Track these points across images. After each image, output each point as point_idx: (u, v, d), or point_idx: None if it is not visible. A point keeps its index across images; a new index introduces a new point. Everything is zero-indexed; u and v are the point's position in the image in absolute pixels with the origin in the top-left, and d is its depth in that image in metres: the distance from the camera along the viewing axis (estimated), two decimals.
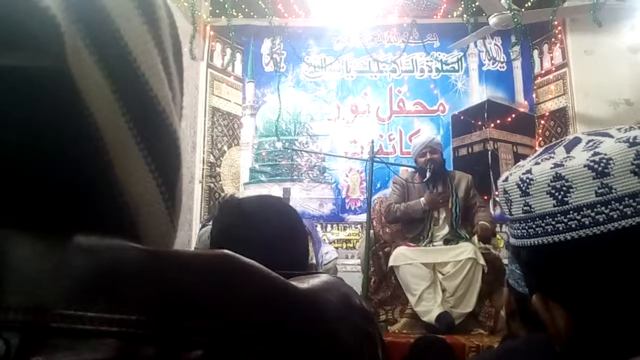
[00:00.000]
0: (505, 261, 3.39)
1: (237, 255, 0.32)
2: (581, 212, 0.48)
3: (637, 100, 4.59)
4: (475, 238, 3.54)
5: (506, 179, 0.56)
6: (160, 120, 0.35)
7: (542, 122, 5.08)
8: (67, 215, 0.31)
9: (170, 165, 0.36)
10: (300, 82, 5.32)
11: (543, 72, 5.18)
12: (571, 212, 0.48)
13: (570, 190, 0.49)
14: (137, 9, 0.34)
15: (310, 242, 3.81)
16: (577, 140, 0.52)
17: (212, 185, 5.02)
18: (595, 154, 0.48)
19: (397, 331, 3.32)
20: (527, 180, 0.52)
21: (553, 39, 5.07)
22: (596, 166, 0.47)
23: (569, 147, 0.52)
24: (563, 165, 0.49)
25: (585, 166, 0.48)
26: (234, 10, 5.07)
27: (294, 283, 0.34)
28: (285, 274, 0.36)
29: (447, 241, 3.52)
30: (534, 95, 5.17)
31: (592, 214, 0.47)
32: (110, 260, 0.29)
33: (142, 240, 0.33)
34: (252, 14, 5.18)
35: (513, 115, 5.11)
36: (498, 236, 3.98)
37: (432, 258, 3.39)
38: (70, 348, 0.26)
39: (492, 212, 4.43)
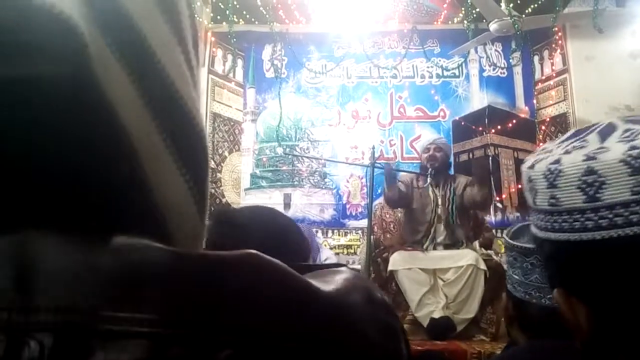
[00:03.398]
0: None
1: (262, 254, 0.32)
2: (614, 211, 0.44)
3: (638, 106, 4.59)
4: (477, 244, 3.53)
5: (532, 166, 0.52)
6: (188, 122, 0.35)
7: (543, 127, 5.08)
8: (97, 218, 0.31)
9: (199, 165, 0.36)
10: (301, 88, 5.33)
11: (543, 77, 5.18)
12: (602, 209, 0.45)
13: (603, 186, 0.45)
14: (158, 6, 0.34)
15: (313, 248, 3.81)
16: (612, 128, 0.48)
17: (212, 190, 5.02)
18: (633, 147, 0.44)
19: None
20: (556, 172, 0.48)
21: (553, 45, 5.08)
22: (633, 162, 0.43)
23: (604, 136, 0.47)
24: (596, 159, 0.45)
25: (621, 161, 0.44)
26: (235, 16, 5.08)
27: (317, 282, 0.34)
28: (305, 266, 0.37)
29: (447, 246, 3.51)
30: (534, 101, 5.17)
31: (626, 214, 0.44)
32: (138, 260, 0.29)
33: (174, 242, 0.33)
34: (253, 20, 5.19)
35: (514, 121, 5.11)
36: (499, 241, 3.97)
37: (431, 263, 3.38)
38: (102, 349, 0.26)
39: (492, 217, 4.43)
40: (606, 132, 0.48)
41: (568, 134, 0.52)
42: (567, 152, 0.48)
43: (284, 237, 1.10)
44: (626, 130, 0.46)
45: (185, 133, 0.35)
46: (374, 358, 0.34)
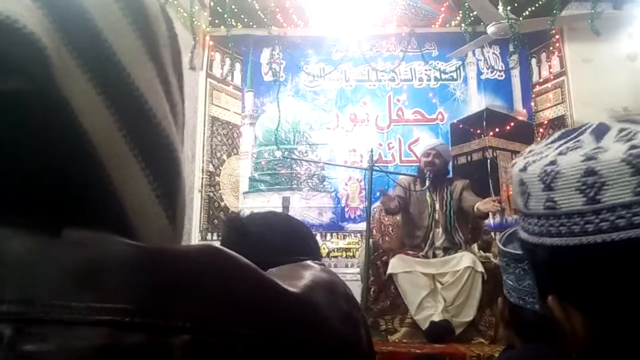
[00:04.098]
0: None
1: (223, 248, 0.34)
2: (615, 213, 0.42)
3: (636, 108, 4.59)
4: (475, 246, 3.53)
5: (524, 169, 0.50)
6: (157, 133, 0.36)
7: (541, 130, 5.08)
8: (58, 215, 0.32)
9: (169, 176, 0.37)
10: (300, 91, 5.33)
11: (541, 80, 5.19)
12: (604, 211, 0.43)
13: (604, 187, 0.43)
14: (131, 24, 0.35)
15: None
16: (605, 128, 0.46)
17: (211, 194, 5.02)
18: (633, 146, 0.42)
19: (397, 341, 3.30)
20: (553, 173, 0.46)
21: (551, 48, 5.09)
22: (635, 161, 0.42)
23: (598, 135, 0.45)
24: (596, 159, 0.43)
25: (622, 161, 0.42)
26: (233, 20, 5.09)
27: (280, 276, 0.35)
28: (273, 262, 0.39)
29: (445, 249, 3.50)
30: (532, 104, 5.18)
31: (628, 215, 0.42)
32: (99, 252, 0.31)
33: (138, 239, 0.34)
34: (251, 23, 5.20)
35: (512, 124, 5.12)
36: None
37: (431, 269, 3.37)
38: (61, 337, 0.28)
39: (490, 220, 4.42)
40: (600, 131, 0.46)
41: (555, 135, 0.51)
42: (562, 154, 0.46)
43: (300, 244, 1.11)
44: (621, 130, 0.45)
45: (153, 141, 0.36)
46: (336, 346, 0.35)
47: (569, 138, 0.48)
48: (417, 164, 3.89)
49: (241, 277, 0.33)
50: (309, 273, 0.38)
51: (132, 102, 0.35)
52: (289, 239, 1.11)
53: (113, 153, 0.34)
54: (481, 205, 3.30)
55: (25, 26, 0.31)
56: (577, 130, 0.48)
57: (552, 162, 0.46)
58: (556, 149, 0.47)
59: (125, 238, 0.32)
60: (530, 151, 0.51)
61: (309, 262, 0.41)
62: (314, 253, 1.16)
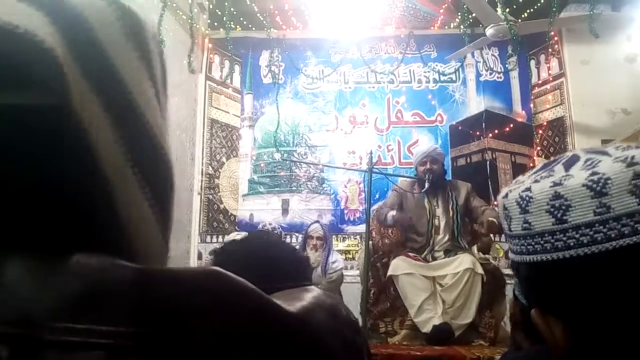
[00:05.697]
0: (505, 271, 3.38)
1: (225, 271, 0.33)
2: (579, 231, 0.48)
3: (634, 109, 4.61)
4: (475, 248, 3.53)
5: (506, 196, 0.56)
6: (156, 150, 0.37)
7: (540, 131, 5.09)
8: (65, 239, 0.32)
9: (164, 192, 0.38)
10: (299, 94, 5.34)
11: (540, 82, 5.20)
12: (570, 230, 0.49)
13: (569, 209, 0.49)
14: (130, 42, 0.36)
15: (325, 249, 3.81)
16: (575, 158, 0.52)
17: (210, 196, 5.02)
18: (594, 173, 0.48)
19: (397, 343, 3.29)
20: (527, 198, 0.52)
21: (550, 49, 5.10)
22: (594, 185, 0.48)
23: (568, 165, 0.52)
24: (562, 184, 0.50)
25: (583, 185, 0.48)
26: (232, 22, 5.09)
27: (282, 300, 0.35)
28: (276, 287, 0.38)
29: (447, 251, 3.49)
30: (531, 105, 5.19)
31: (591, 233, 0.48)
32: (100, 276, 0.30)
33: (139, 261, 0.34)
34: (250, 26, 5.21)
35: (511, 125, 5.13)
36: (497, 246, 3.97)
37: (431, 271, 3.37)
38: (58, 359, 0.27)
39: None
40: (570, 162, 0.52)
41: (537, 167, 0.57)
42: (536, 181, 0.53)
43: (279, 269, 1.11)
44: (588, 160, 0.51)
45: (152, 158, 0.36)
46: None
47: (546, 168, 0.54)
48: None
49: (245, 302, 0.33)
50: (312, 298, 0.38)
51: (133, 119, 0.35)
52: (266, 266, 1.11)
53: (115, 171, 0.34)
54: (490, 224, 3.23)
55: (44, 41, 0.31)
56: (554, 162, 0.55)
57: (527, 189, 0.53)
58: (534, 178, 0.54)
59: (125, 258, 0.32)
60: (515, 181, 0.58)
61: (312, 287, 0.41)
62: (294, 276, 1.15)
